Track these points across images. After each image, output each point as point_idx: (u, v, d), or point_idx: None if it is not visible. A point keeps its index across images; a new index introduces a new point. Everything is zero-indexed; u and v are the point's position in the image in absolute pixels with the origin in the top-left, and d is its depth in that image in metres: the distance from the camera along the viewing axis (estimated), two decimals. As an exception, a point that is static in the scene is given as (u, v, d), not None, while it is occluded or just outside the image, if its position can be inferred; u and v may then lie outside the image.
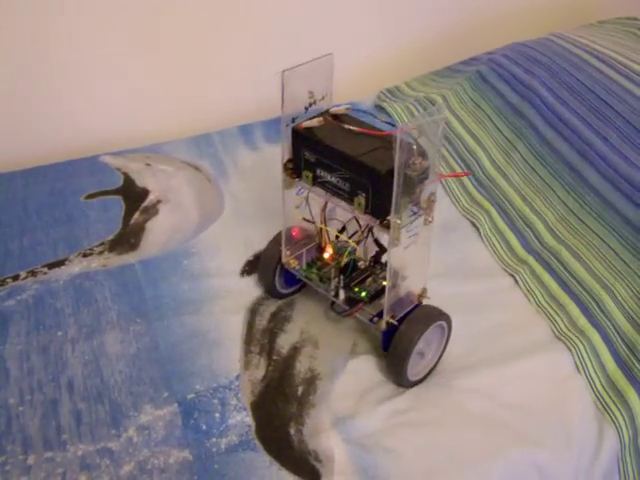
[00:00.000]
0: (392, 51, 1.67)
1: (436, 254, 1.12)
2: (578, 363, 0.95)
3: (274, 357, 0.95)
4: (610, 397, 0.91)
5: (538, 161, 1.22)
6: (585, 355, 0.95)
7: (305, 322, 1.01)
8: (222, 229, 1.18)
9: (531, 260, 1.10)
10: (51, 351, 0.95)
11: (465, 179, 1.27)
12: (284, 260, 0.99)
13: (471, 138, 1.33)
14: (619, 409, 0.90)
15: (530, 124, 1.26)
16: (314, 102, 0.89)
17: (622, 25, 1.50)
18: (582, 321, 0.99)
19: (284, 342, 0.98)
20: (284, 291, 1.04)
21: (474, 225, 1.19)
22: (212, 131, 1.43)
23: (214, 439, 0.85)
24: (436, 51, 1.69)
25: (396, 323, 0.89)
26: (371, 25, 1.61)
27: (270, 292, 1.04)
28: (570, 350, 0.96)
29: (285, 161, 0.91)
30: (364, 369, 0.94)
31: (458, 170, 1.29)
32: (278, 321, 1.01)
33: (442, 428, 0.87)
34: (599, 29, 1.48)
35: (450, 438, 0.86)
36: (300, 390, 0.91)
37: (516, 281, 1.08)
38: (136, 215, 1.20)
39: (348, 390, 0.91)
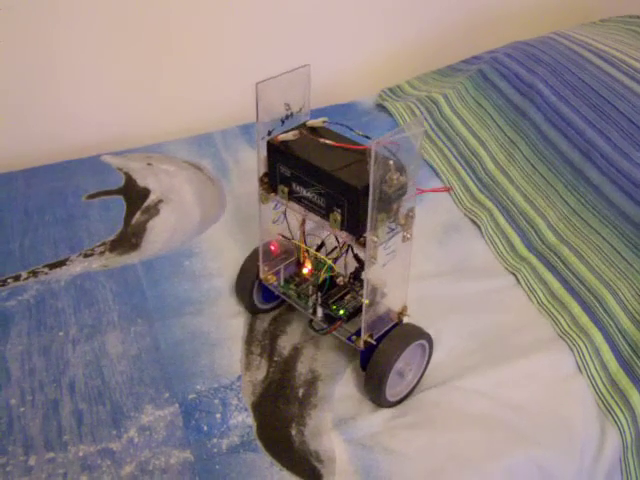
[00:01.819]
0: (394, 50, 1.66)
1: (438, 253, 1.13)
2: (580, 363, 0.94)
3: (275, 358, 0.95)
4: (612, 397, 0.91)
5: (540, 160, 1.21)
6: (587, 355, 0.95)
7: (306, 323, 1.00)
8: (223, 229, 1.18)
9: (533, 259, 1.09)
10: (52, 351, 0.95)
11: (467, 178, 1.27)
12: (262, 276, 0.96)
13: (473, 137, 1.32)
14: (621, 409, 0.90)
15: (532, 123, 1.25)
16: (291, 114, 0.87)
17: (624, 23, 1.49)
18: (584, 320, 0.99)
19: (285, 343, 0.98)
20: (263, 307, 1.01)
21: (476, 224, 1.18)
22: (213, 130, 1.43)
23: (215, 440, 0.85)
24: (438, 50, 1.69)
25: (374, 342, 0.86)
26: (372, 24, 1.61)
27: (249, 308, 1.01)
28: (572, 349, 0.96)
29: (261, 175, 0.88)
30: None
31: (459, 170, 1.29)
32: (279, 322, 1.01)
33: (443, 428, 0.87)
34: (601, 27, 1.48)
35: (451, 438, 0.86)
36: (301, 391, 0.91)
37: (518, 280, 1.07)
38: (137, 215, 1.20)
39: (349, 391, 0.91)
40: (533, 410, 0.89)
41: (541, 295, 1.04)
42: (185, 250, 1.13)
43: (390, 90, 1.56)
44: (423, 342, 0.90)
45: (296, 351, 0.96)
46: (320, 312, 0.91)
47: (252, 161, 1.35)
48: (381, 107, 1.50)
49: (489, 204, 1.21)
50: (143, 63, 1.42)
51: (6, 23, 1.28)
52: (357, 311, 0.90)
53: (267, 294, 1.00)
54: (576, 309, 1.01)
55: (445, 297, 1.03)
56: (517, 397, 0.90)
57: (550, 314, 1.01)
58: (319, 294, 0.91)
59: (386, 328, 0.88)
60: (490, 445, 0.85)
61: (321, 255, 0.92)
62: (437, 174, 1.30)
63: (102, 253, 1.12)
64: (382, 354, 0.86)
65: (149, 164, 1.33)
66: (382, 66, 1.66)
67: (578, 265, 1.06)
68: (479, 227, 1.17)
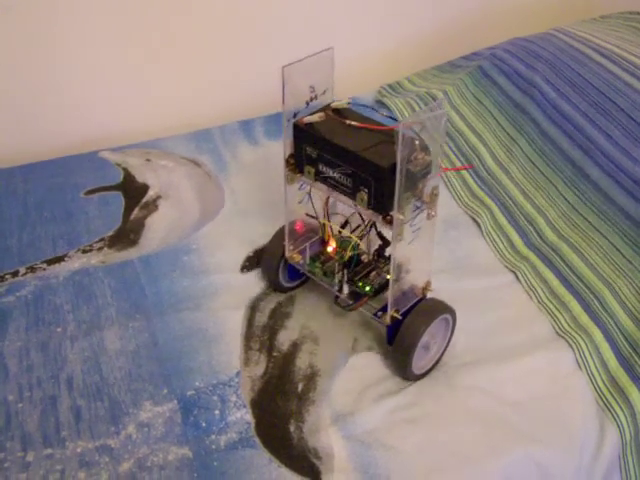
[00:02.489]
0: (393, 46, 1.66)
1: (437, 250, 1.12)
2: (579, 360, 0.94)
3: (274, 354, 0.95)
4: (612, 394, 0.91)
5: (539, 156, 1.21)
6: (587, 352, 0.95)
7: (305, 318, 1.00)
8: (222, 225, 1.17)
9: (532, 256, 1.09)
10: (50, 347, 0.95)
11: (466, 175, 1.27)
12: (287, 255, 0.99)
13: (472, 133, 1.32)
14: (620, 406, 0.89)
15: (531, 119, 1.25)
16: (315, 97, 0.89)
17: (624, 20, 1.49)
18: (584, 318, 0.99)
19: (284, 338, 0.97)
20: (288, 285, 1.04)
21: (475, 221, 1.18)
22: (212, 126, 1.43)
23: (214, 436, 0.85)
24: (437, 46, 1.68)
25: (400, 317, 0.88)
26: (372, 20, 1.60)
27: (274, 286, 1.03)
28: (571, 347, 0.96)
29: (287, 156, 0.90)
30: (365, 365, 0.94)
31: (459, 165, 1.29)
32: (278, 317, 1.00)
33: (443, 425, 0.87)
34: (601, 24, 1.47)
35: (451, 435, 0.86)
36: (300, 387, 0.91)
37: (517, 278, 1.07)
38: (136, 211, 1.20)
39: (348, 387, 0.91)
40: (532, 407, 0.89)
41: (540, 293, 1.04)
42: (183, 246, 1.13)
43: (389, 86, 1.56)
44: (447, 316, 0.92)
45: (295, 347, 0.96)
46: (346, 289, 0.93)
47: (251, 157, 1.35)
48: (380, 103, 1.49)
49: (488, 201, 1.20)
50: (141, 59, 1.42)
51: (6, 21, 1.27)
52: (382, 287, 0.92)
53: (292, 272, 1.02)
54: (576, 307, 1.01)
55: (444, 294, 1.03)
56: (516, 394, 0.90)
57: (549, 312, 1.01)
58: (345, 271, 0.93)
59: (411, 303, 0.90)
60: (489, 442, 0.85)
61: (347, 232, 0.94)
62: (436, 171, 1.29)
63: (100, 249, 1.12)
64: (409, 328, 0.88)
65: (148, 160, 1.33)
66: (381, 62, 1.66)
67: (577, 262, 1.06)
68: (478, 224, 1.17)
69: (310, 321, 1.00)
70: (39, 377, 0.91)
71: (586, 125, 1.17)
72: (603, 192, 1.10)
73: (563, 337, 0.97)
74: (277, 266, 1.00)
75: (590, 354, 0.95)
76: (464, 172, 1.27)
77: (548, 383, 0.92)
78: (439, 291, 1.01)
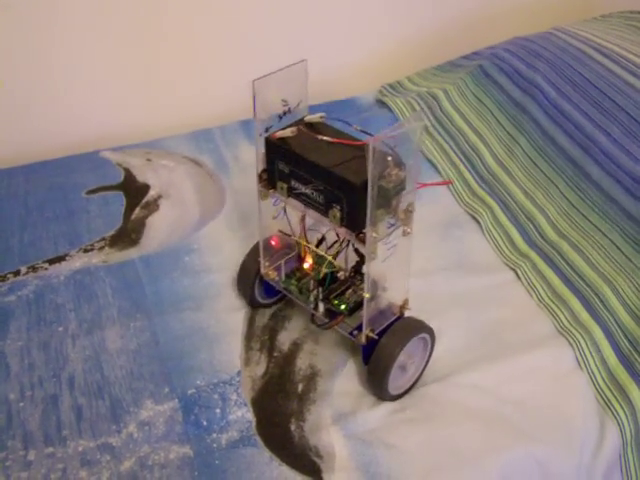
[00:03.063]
0: (393, 46, 1.66)
1: (438, 249, 1.12)
2: (580, 358, 0.94)
3: (275, 353, 0.95)
4: (612, 392, 0.91)
5: (540, 155, 1.21)
6: (587, 350, 0.95)
7: (306, 319, 1.00)
8: (223, 225, 1.17)
9: (533, 255, 1.09)
10: (52, 347, 0.95)
11: (467, 174, 1.27)
12: (263, 271, 0.96)
13: (473, 133, 1.32)
14: (621, 404, 0.89)
15: (532, 118, 1.25)
16: (289, 110, 0.86)
17: (625, 19, 1.49)
18: (584, 316, 0.99)
19: (285, 339, 0.97)
20: (264, 301, 1.01)
21: (476, 220, 1.18)
22: (213, 126, 1.43)
23: (215, 435, 0.85)
24: (438, 45, 1.68)
25: (376, 337, 0.86)
26: (372, 19, 1.60)
27: (250, 303, 1.01)
28: (572, 345, 0.96)
29: (260, 172, 0.88)
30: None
31: (459, 165, 1.29)
32: (279, 318, 1.01)
33: (443, 424, 0.87)
34: (602, 23, 1.47)
35: (451, 434, 0.86)
36: (301, 386, 0.91)
37: (518, 276, 1.07)
38: (137, 210, 1.20)
39: (349, 386, 0.91)
40: (533, 405, 0.89)
41: (541, 291, 1.04)
42: (184, 246, 1.13)
43: (390, 86, 1.56)
44: (425, 335, 0.90)
45: (295, 346, 0.96)
46: (322, 307, 0.91)
47: (252, 156, 1.33)
48: (381, 103, 1.50)
49: (489, 200, 1.20)
50: (142, 59, 1.42)
51: (5, 21, 1.28)
52: (358, 305, 0.90)
53: (268, 289, 0.99)
54: (576, 305, 1.01)
55: (445, 293, 1.03)
56: (517, 392, 0.90)
57: (550, 310, 1.01)
58: (320, 289, 0.91)
59: (388, 322, 0.88)
60: (489, 440, 0.85)
61: (321, 251, 0.92)
62: (437, 169, 1.29)
63: (102, 248, 1.12)
64: (384, 348, 0.86)
65: (149, 160, 1.33)
66: (382, 62, 1.66)
67: (578, 261, 1.06)
68: (479, 223, 1.17)
69: (310, 321, 1.00)
70: (40, 376, 0.91)
71: (586, 124, 1.17)
72: (603, 191, 1.10)
73: (563, 335, 0.97)
74: (253, 283, 0.98)
75: (590, 352, 0.95)
76: (464, 170, 1.27)
77: (548, 381, 0.92)
78: (439, 289, 1.01)
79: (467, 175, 1.27)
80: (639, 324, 0.96)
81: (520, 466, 0.84)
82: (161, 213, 1.20)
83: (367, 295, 0.83)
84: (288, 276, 0.95)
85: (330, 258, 0.90)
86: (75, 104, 1.41)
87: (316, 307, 0.91)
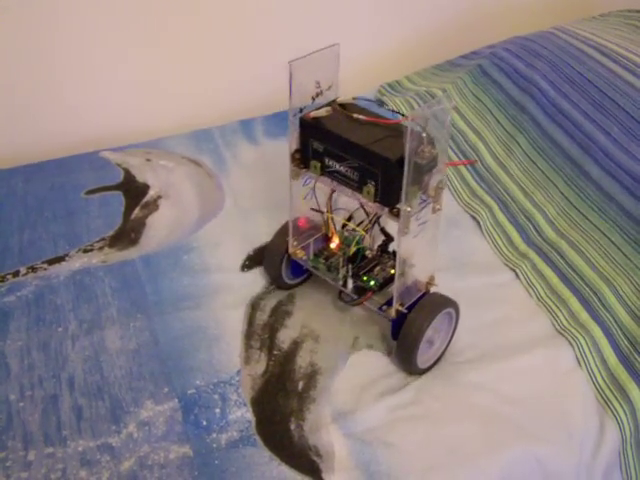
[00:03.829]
0: (393, 45, 1.66)
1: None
2: (579, 357, 0.94)
3: (275, 352, 0.95)
4: (611, 391, 0.91)
5: (539, 155, 1.21)
6: (586, 349, 0.95)
7: (306, 317, 1.00)
8: (222, 224, 1.17)
9: (532, 254, 1.09)
10: (51, 347, 0.95)
11: (466, 173, 1.27)
12: (291, 251, 0.99)
13: (472, 132, 1.32)
14: (620, 403, 0.90)
15: (531, 118, 1.25)
16: (321, 92, 0.89)
17: (624, 18, 1.49)
18: (583, 315, 0.99)
19: (285, 337, 0.98)
20: (290, 282, 1.04)
21: (475, 219, 1.18)
22: (213, 126, 1.43)
23: (214, 434, 0.85)
24: (437, 45, 1.68)
25: (405, 311, 0.89)
26: (372, 19, 1.60)
27: (276, 283, 1.04)
28: (571, 344, 0.96)
29: (292, 152, 0.90)
30: (365, 364, 0.94)
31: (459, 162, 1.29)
32: (279, 316, 1.01)
33: (443, 422, 0.87)
34: (601, 22, 1.47)
35: (451, 432, 0.86)
36: (301, 385, 0.91)
37: (517, 275, 1.07)
38: (136, 210, 1.20)
39: (349, 385, 0.91)
40: (532, 404, 0.89)
41: (540, 290, 1.04)
42: (184, 245, 1.13)
43: (389, 85, 1.56)
44: (450, 310, 0.92)
45: (296, 345, 0.96)
46: (350, 284, 0.93)
47: (251, 156, 1.35)
48: (380, 102, 1.49)
49: (488, 199, 1.20)
50: (141, 59, 1.42)
51: (6, 21, 1.28)
52: (386, 282, 0.93)
53: (295, 269, 1.02)
54: (575, 304, 1.01)
55: (444, 292, 1.03)
56: (516, 391, 0.91)
57: (549, 309, 1.01)
58: (350, 266, 0.93)
59: (415, 298, 0.91)
60: (490, 439, 0.85)
61: (353, 225, 0.95)
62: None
63: (101, 248, 1.12)
64: (414, 322, 0.88)
65: (148, 160, 1.33)
66: (381, 61, 1.66)
67: (577, 260, 1.06)
68: (478, 222, 1.17)
69: (310, 319, 1.00)
70: (40, 376, 0.92)
71: (585, 123, 1.17)
72: (603, 190, 1.10)
73: (563, 334, 0.98)
74: (280, 262, 1.00)
75: (590, 351, 0.95)
76: (463, 170, 1.27)
77: (548, 380, 0.92)
78: (439, 289, 1.01)
79: (466, 174, 1.27)
80: (638, 323, 0.96)
81: (520, 465, 0.84)
82: (161, 213, 1.20)
83: (398, 270, 0.86)
84: (316, 255, 0.98)
85: (362, 232, 0.94)
86: (75, 104, 1.41)
87: (345, 284, 0.94)
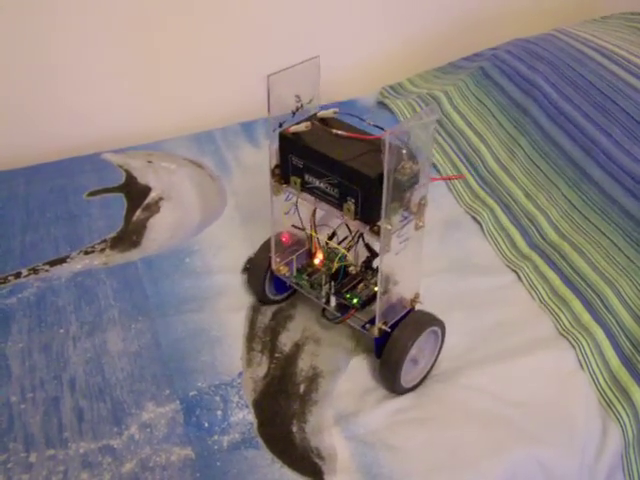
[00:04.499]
0: (394, 48, 1.66)
1: (439, 250, 1.12)
2: (582, 360, 0.94)
3: (276, 355, 0.95)
4: (614, 394, 0.91)
5: (541, 157, 1.21)
6: (589, 352, 0.95)
7: (307, 320, 1.00)
8: (224, 226, 1.17)
9: (534, 256, 1.09)
10: (53, 349, 0.95)
11: (468, 175, 1.26)
12: (274, 267, 0.97)
13: (474, 134, 1.32)
14: (623, 406, 0.89)
15: (533, 120, 1.25)
16: (301, 106, 0.87)
17: (625, 20, 1.49)
18: (586, 317, 0.99)
19: (286, 340, 0.97)
20: (275, 298, 1.02)
21: (477, 221, 1.18)
22: (214, 128, 1.43)
23: (216, 437, 0.85)
24: (439, 47, 1.68)
25: (388, 330, 0.87)
26: (373, 21, 1.60)
27: (260, 299, 1.02)
28: (574, 347, 0.96)
29: (273, 167, 0.89)
30: (367, 366, 0.94)
31: (460, 167, 1.29)
32: (280, 319, 1.00)
33: (445, 425, 0.87)
34: (602, 24, 1.47)
35: (453, 435, 0.85)
36: (302, 388, 0.91)
37: (519, 277, 1.07)
38: (138, 212, 1.20)
39: (351, 388, 0.91)
40: (535, 407, 0.89)
41: (542, 292, 1.04)
42: (185, 247, 1.13)
43: (391, 87, 1.56)
44: (436, 328, 0.90)
45: (297, 347, 0.96)
46: (333, 301, 0.92)
47: (253, 158, 1.35)
48: (382, 104, 1.49)
49: (490, 201, 1.20)
50: (142, 61, 1.42)
51: (6, 21, 1.28)
52: (370, 299, 0.91)
53: (279, 285, 1.00)
54: (577, 306, 1.01)
55: (446, 294, 1.03)
56: (519, 394, 0.90)
57: (551, 311, 1.01)
58: (332, 283, 0.92)
59: (399, 315, 0.89)
60: (492, 442, 0.85)
61: (335, 244, 0.93)
62: (438, 171, 1.30)
63: (103, 250, 1.12)
64: (397, 341, 0.86)
65: (150, 162, 1.33)
66: (383, 63, 1.66)
67: (579, 262, 1.06)
68: (480, 224, 1.17)
69: (312, 322, 1.00)
70: (42, 378, 0.91)
71: (587, 125, 1.17)
72: (605, 192, 1.10)
73: (565, 336, 0.97)
74: (263, 278, 0.99)
75: (592, 353, 0.95)
76: (465, 172, 1.27)
77: (550, 383, 0.92)
78: (441, 291, 1.01)
79: (468, 176, 1.27)
80: (641, 325, 0.96)
81: (522, 467, 0.84)
82: (162, 215, 1.20)
83: (380, 288, 0.84)
84: (299, 271, 0.96)
85: (344, 251, 0.92)
86: (76, 106, 1.41)
87: (328, 301, 0.92)
